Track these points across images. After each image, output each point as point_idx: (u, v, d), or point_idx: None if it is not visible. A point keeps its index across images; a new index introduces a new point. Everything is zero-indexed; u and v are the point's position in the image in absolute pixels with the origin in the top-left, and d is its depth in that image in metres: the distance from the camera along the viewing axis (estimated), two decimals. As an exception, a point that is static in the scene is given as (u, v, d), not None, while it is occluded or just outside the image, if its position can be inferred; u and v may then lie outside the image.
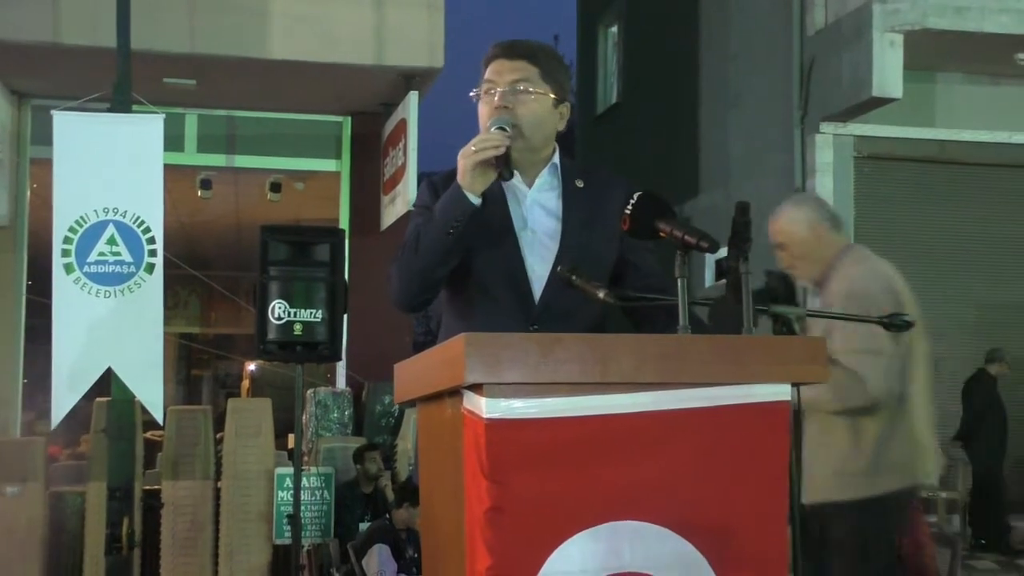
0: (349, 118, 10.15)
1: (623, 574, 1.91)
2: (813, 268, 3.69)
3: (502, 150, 2.33)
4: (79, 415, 6.72)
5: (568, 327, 2.29)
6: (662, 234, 2.15)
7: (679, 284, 2.09)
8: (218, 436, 7.75)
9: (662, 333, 2.19)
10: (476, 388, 1.87)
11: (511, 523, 1.85)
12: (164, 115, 6.39)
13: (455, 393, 1.95)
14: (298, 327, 5.95)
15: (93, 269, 6.06)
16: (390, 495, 7.03)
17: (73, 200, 6.10)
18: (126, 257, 6.10)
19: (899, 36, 9.02)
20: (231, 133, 10.12)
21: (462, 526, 1.92)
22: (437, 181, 2.53)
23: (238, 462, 7.38)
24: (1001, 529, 9.41)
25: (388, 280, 2.51)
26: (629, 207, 2.19)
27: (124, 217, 6.13)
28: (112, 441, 6.23)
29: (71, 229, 6.06)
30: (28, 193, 9.63)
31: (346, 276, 6.48)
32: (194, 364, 18.20)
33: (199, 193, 10.36)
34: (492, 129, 2.39)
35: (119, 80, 6.20)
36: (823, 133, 10.13)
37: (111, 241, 6.10)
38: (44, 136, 7.59)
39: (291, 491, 6.30)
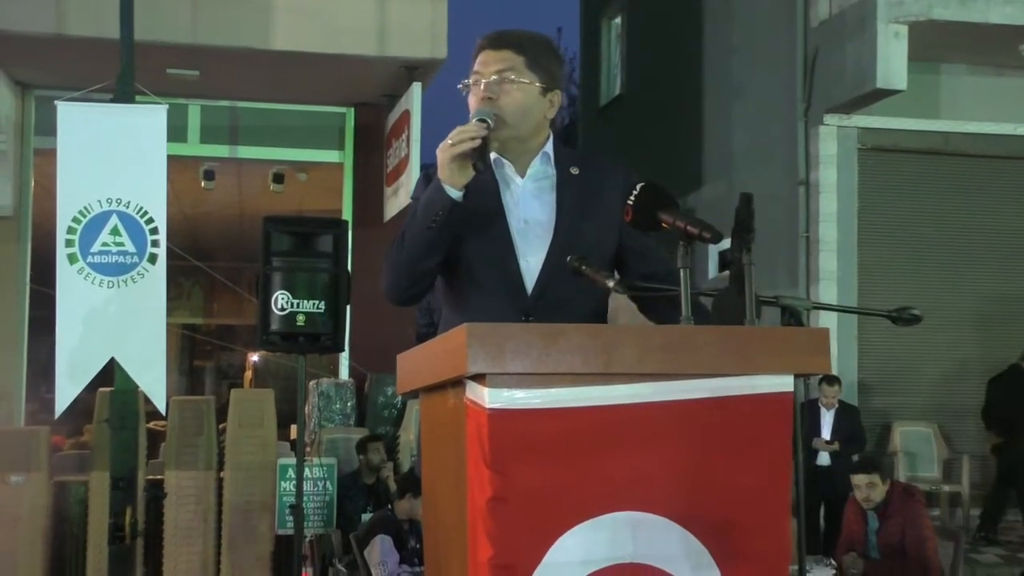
0: (352, 109, 10.14)
1: (625, 564, 1.91)
2: None
3: (478, 142, 2.32)
4: (82, 405, 6.74)
5: (563, 317, 2.29)
6: (664, 225, 2.14)
7: (682, 275, 2.09)
8: (221, 427, 7.77)
9: (667, 322, 2.18)
10: (479, 378, 1.87)
11: (513, 513, 1.85)
12: (167, 106, 6.38)
13: (458, 383, 1.95)
14: (301, 318, 5.95)
15: (96, 259, 6.06)
16: (392, 486, 7.04)
17: (77, 191, 6.11)
18: (129, 248, 6.10)
19: (903, 27, 8.99)
20: (234, 124, 10.12)
21: (464, 516, 1.92)
22: (433, 173, 2.53)
23: (241, 453, 7.39)
24: None
25: (381, 274, 2.52)
26: (632, 198, 2.18)
27: (127, 208, 6.12)
28: (115, 431, 6.23)
29: (75, 219, 6.07)
30: (32, 184, 9.64)
31: (349, 267, 6.48)
32: (197, 355, 18.23)
33: (202, 184, 10.37)
34: (473, 121, 2.39)
35: (122, 71, 6.20)
36: (827, 125, 10.11)
37: (114, 231, 6.10)
38: (48, 127, 7.60)
39: (294, 482, 6.30)
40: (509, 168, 2.54)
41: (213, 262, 13.06)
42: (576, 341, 1.89)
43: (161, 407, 6.48)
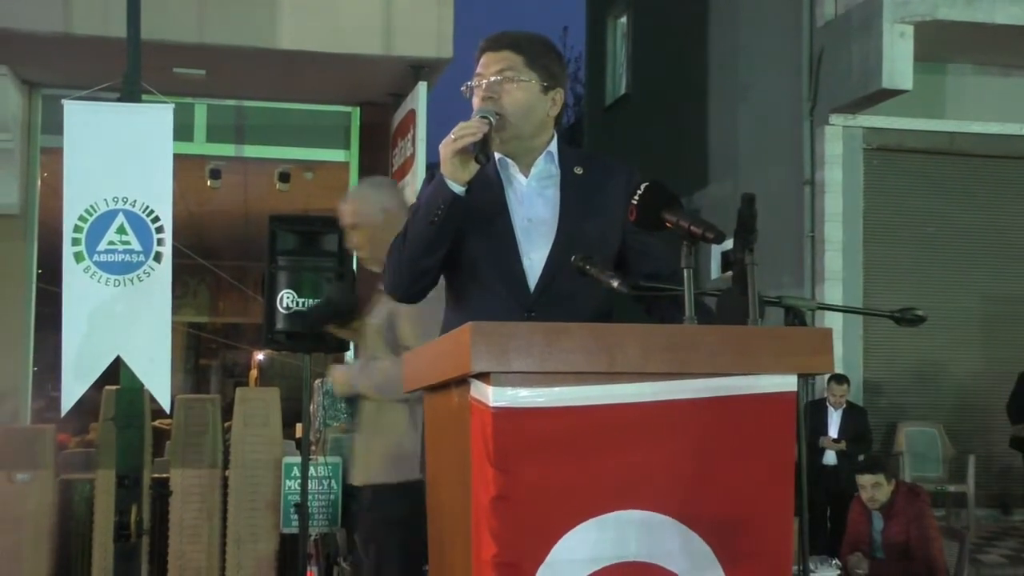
0: (358, 108, 10.15)
1: (628, 563, 1.92)
2: (381, 253, 3.73)
3: (479, 136, 2.34)
4: (88, 403, 6.75)
5: (565, 315, 2.29)
6: (668, 224, 2.15)
7: (685, 275, 2.09)
8: (226, 425, 7.77)
9: (671, 321, 2.19)
10: (483, 377, 1.88)
11: (517, 512, 1.86)
12: (174, 105, 6.39)
13: (462, 382, 1.96)
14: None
15: (102, 258, 6.07)
16: (398, 485, 7.04)
17: (83, 189, 6.12)
18: (135, 246, 6.11)
19: (909, 27, 8.98)
20: (240, 123, 10.13)
21: (468, 514, 1.93)
22: (438, 173, 2.55)
23: (246, 451, 7.40)
24: None
25: (384, 271, 2.53)
26: (636, 197, 2.19)
27: (134, 206, 6.13)
28: (120, 429, 6.24)
29: (81, 218, 6.08)
30: (38, 182, 9.66)
31: (354, 266, 6.49)
32: (202, 353, 18.25)
33: (208, 183, 10.38)
34: (475, 118, 2.41)
35: (129, 70, 6.21)
36: (832, 125, 10.11)
37: (120, 230, 6.11)
38: (54, 125, 7.60)
39: (299, 480, 6.31)
40: (513, 167, 2.56)
41: (219, 261, 13.07)
42: (580, 340, 1.90)
43: (166, 405, 6.49)
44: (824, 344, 2.04)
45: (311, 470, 6.91)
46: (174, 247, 6.25)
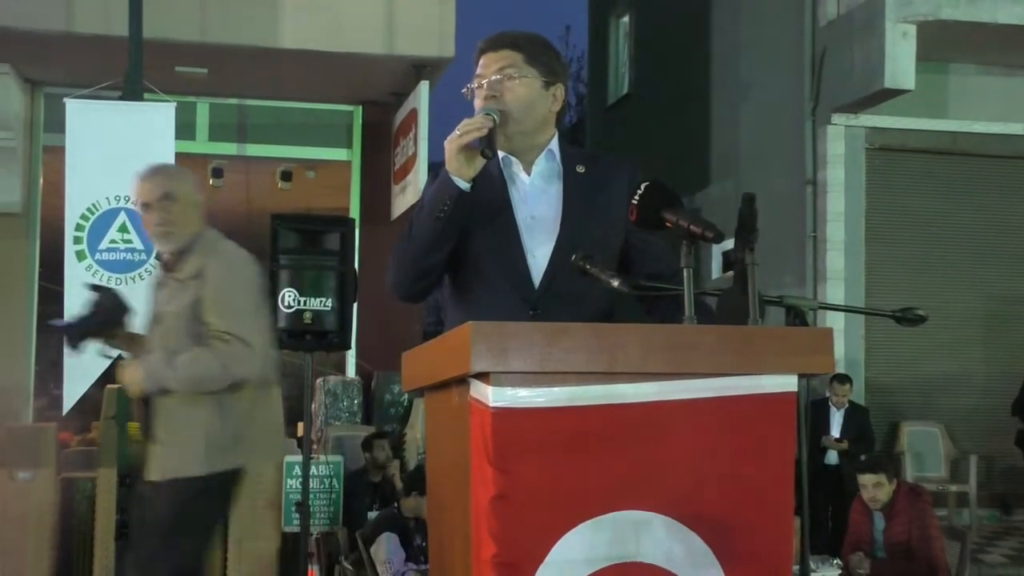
0: (360, 107, 10.15)
1: (628, 564, 1.91)
2: (183, 235, 3.70)
3: (484, 132, 2.35)
4: (89, 402, 6.77)
5: (570, 313, 2.30)
6: (668, 224, 2.15)
7: (685, 274, 2.09)
8: (228, 424, 7.77)
9: (672, 321, 2.19)
10: (482, 377, 1.88)
11: (516, 512, 1.86)
12: (176, 103, 6.42)
13: (462, 382, 1.96)
14: (308, 315, 5.96)
15: (105, 256, 6.09)
16: (399, 484, 7.05)
17: (85, 188, 6.13)
18: (137, 244, 6.13)
19: (912, 27, 8.97)
20: (242, 122, 10.13)
21: (468, 515, 1.93)
22: (442, 170, 2.55)
23: (248, 450, 7.39)
24: None
25: (387, 269, 2.53)
26: (636, 197, 2.19)
27: (136, 205, 6.14)
28: (122, 428, 6.25)
29: (83, 216, 6.10)
30: (41, 181, 9.67)
31: (356, 265, 6.49)
32: (205, 352, 18.22)
33: (210, 181, 10.37)
34: (479, 115, 2.42)
35: (131, 69, 6.22)
36: (834, 124, 10.10)
37: (122, 228, 6.13)
38: (57, 124, 7.61)
39: (300, 479, 6.31)
40: (516, 165, 2.56)
41: (221, 259, 13.04)
42: (580, 340, 1.90)
43: (168, 404, 6.48)
44: (824, 344, 2.03)
45: (312, 469, 6.91)
46: (176, 246, 6.24)
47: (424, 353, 2.23)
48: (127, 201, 6.14)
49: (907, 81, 9.02)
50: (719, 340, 1.96)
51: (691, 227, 2.08)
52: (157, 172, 3.88)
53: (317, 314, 5.98)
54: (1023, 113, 10.39)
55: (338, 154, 10.35)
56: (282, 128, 10.17)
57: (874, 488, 5.91)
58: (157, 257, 3.82)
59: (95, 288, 3.72)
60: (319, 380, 8.79)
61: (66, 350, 3.80)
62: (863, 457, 7.84)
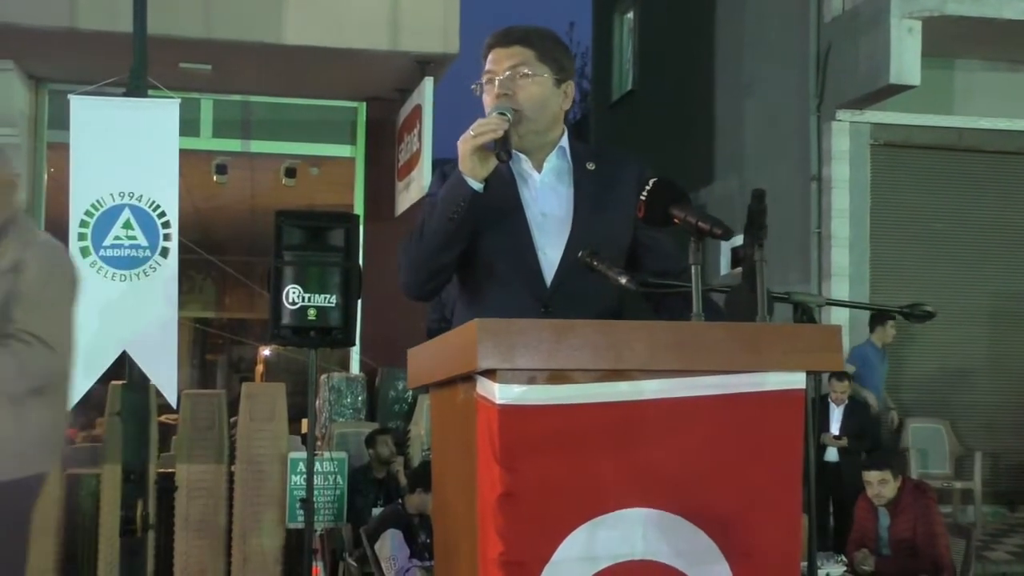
0: (364, 104, 10.15)
1: (635, 562, 1.91)
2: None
3: (500, 133, 2.33)
4: (94, 398, 6.76)
5: (580, 311, 2.29)
6: (676, 221, 2.14)
7: (693, 271, 2.08)
8: (232, 420, 7.78)
9: (680, 318, 2.18)
10: (489, 374, 1.87)
11: (523, 510, 1.85)
12: (180, 100, 6.40)
13: (468, 379, 1.95)
14: (312, 312, 5.96)
15: (109, 253, 6.09)
16: (403, 480, 7.05)
17: (89, 184, 6.13)
18: (141, 241, 6.12)
19: (917, 22, 8.94)
20: (246, 118, 10.13)
21: (474, 512, 1.92)
22: (448, 170, 2.53)
23: (252, 446, 7.41)
24: None
25: (398, 268, 2.51)
26: (644, 194, 2.18)
27: (140, 201, 6.14)
28: (127, 424, 6.25)
29: (87, 213, 6.09)
30: (45, 177, 9.67)
31: (360, 261, 6.49)
32: (208, 348, 18.27)
33: (214, 178, 10.39)
34: (493, 114, 2.39)
35: (135, 65, 6.21)
36: (839, 120, 10.08)
37: (127, 225, 6.12)
38: (61, 120, 7.62)
39: (304, 475, 6.32)
40: (526, 163, 2.55)
41: (225, 256, 13.05)
42: (586, 337, 1.89)
43: (172, 400, 6.50)
44: (833, 341, 2.03)
45: (317, 465, 6.92)
46: (180, 242, 6.26)
47: (429, 350, 2.22)
48: (131, 198, 6.14)
49: (912, 77, 8.99)
50: (727, 337, 1.95)
51: (699, 223, 2.08)
52: None
53: (321, 310, 5.99)
54: (1029, 109, 10.36)
55: (342, 150, 10.35)
56: (286, 124, 10.17)
57: (879, 485, 5.91)
58: None
59: None
60: (323, 376, 8.79)
61: None
62: (863, 455, 7.84)
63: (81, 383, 5.95)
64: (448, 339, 2.10)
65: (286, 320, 5.99)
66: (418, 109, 8.99)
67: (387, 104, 9.82)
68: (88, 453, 8.12)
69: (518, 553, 1.85)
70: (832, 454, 8.43)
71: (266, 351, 15.36)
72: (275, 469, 7.36)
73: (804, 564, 2.45)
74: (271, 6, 8.55)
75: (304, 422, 8.12)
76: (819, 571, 5.26)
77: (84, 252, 6.06)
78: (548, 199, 2.53)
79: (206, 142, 9.94)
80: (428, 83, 8.85)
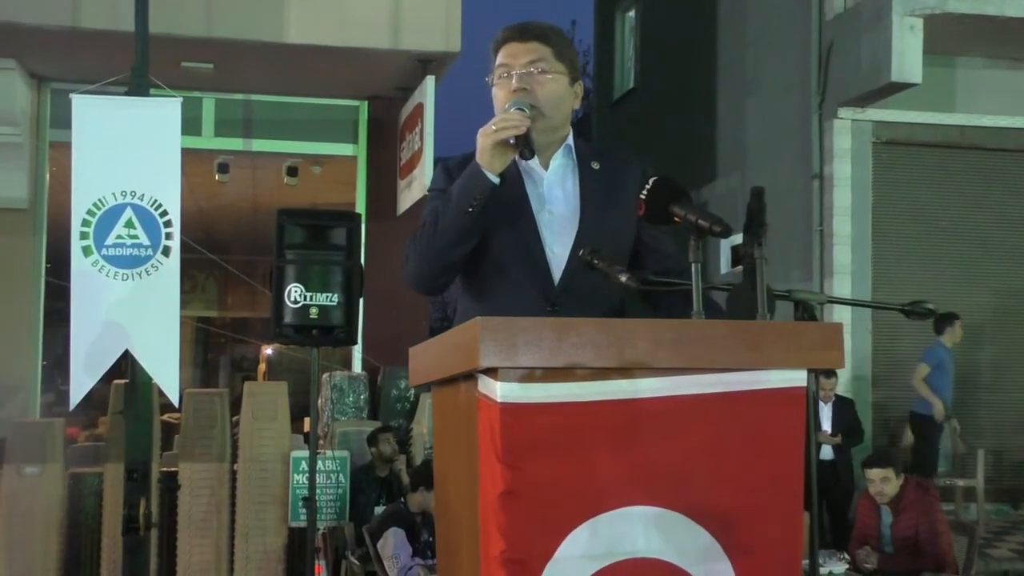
0: (366, 102, 10.15)
1: (636, 560, 1.91)
2: None
3: (523, 130, 2.32)
4: (97, 397, 6.78)
5: (587, 309, 2.29)
6: (676, 219, 2.14)
7: (693, 269, 2.08)
8: (234, 419, 7.79)
9: (678, 316, 2.18)
10: (491, 372, 1.87)
11: (525, 508, 1.85)
12: (182, 99, 6.40)
13: (470, 377, 1.95)
14: (314, 311, 5.97)
15: (111, 252, 6.09)
16: (405, 479, 7.05)
17: (91, 183, 6.13)
18: (143, 240, 6.12)
19: (919, 20, 8.94)
20: (248, 117, 10.13)
21: (476, 510, 1.92)
22: (452, 165, 2.53)
23: (254, 445, 7.42)
24: None
25: (404, 263, 2.50)
26: (644, 192, 2.18)
27: (142, 200, 6.15)
28: (129, 423, 6.26)
29: (89, 212, 6.09)
30: (47, 176, 9.68)
31: (362, 260, 6.49)
32: (211, 347, 18.29)
33: (216, 177, 10.39)
34: (511, 110, 2.38)
35: (137, 64, 6.22)
36: (841, 118, 10.07)
37: (129, 224, 6.12)
38: (63, 119, 7.61)
39: (307, 474, 6.32)
40: (534, 160, 2.54)
41: (227, 255, 13.08)
42: (588, 335, 1.89)
43: (174, 399, 6.51)
44: (834, 339, 2.02)
45: (319, 464, 6.93)
46: (182, 241, 6.26)
47: (431, 348, 2.22)
48: (133, 196, 6.14)
49: (914, 75, 8.98)
50: (729, 335, 1.95)
51: (699, 221, 2.08)
52: None
53: (323, 309, 5.99)
54: (1031, 106, 10.35)
55: (344, 149, 10.35)
56: (288, 123, 10.17)
57: (882, 483, 5.91)
58: None
59: None
60: (325, 375, 8.80)
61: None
62: (856, 450, 7.84)
63: (84, 382, 5.96)
64: (449, 337, 2.10)
65: (288, 319, 5.99)
66: (420, 108, 8.99)
67: (389, 103, 9.82)
68: (91, 452, 8.14)
69: (520, 551, 1.85)
70: (826, 452, 8.44)
71: (268, 350, 15.37)
72: (277, 468, 7.37)
73: (805, 562, 2.45)
74: (273, 5, 8.56)
75: (306, 421, 8.12)
76: (822, 569, 5.26)
77: (86, 251, 6.07)
78: (554, 197, 2.53)
79: (208, 141, 9.95)
80: (430, 82, 8.85)
